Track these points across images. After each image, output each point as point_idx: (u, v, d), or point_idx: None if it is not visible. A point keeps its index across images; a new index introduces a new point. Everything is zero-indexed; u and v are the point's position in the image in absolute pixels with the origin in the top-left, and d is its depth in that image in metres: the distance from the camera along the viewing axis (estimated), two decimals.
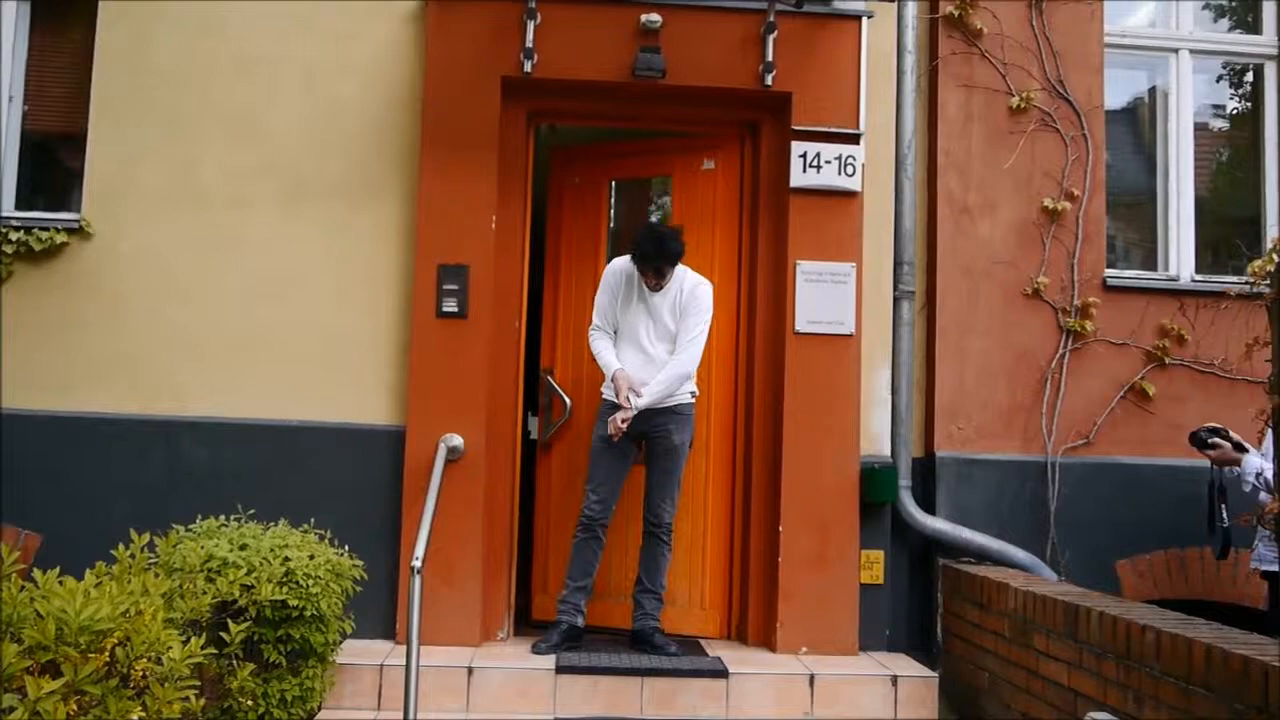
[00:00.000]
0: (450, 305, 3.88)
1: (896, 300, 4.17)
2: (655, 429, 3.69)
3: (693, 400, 3.75)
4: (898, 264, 4.18)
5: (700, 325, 3.63)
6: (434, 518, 3.35)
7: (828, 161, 3.97)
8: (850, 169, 3.99)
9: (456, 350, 3.88)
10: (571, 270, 4.22)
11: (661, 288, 3.63)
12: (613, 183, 4.38)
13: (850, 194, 4.01)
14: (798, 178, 3.99)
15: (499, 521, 3.94)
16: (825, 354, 3.97)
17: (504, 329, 4.04)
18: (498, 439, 3.95)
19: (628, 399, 3.57)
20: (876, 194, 4.11)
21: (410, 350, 3.90)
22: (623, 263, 3.74)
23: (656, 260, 3.56)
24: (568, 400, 4.18)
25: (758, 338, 4.09)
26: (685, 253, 3.66)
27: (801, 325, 3.98)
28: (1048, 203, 4.32)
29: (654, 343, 3.67)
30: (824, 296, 3.96)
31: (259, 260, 3.99)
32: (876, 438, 4.07)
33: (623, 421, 3.54)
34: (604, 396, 3.77)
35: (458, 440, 3.80)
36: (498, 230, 3.98)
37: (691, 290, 3.67)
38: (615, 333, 3.77)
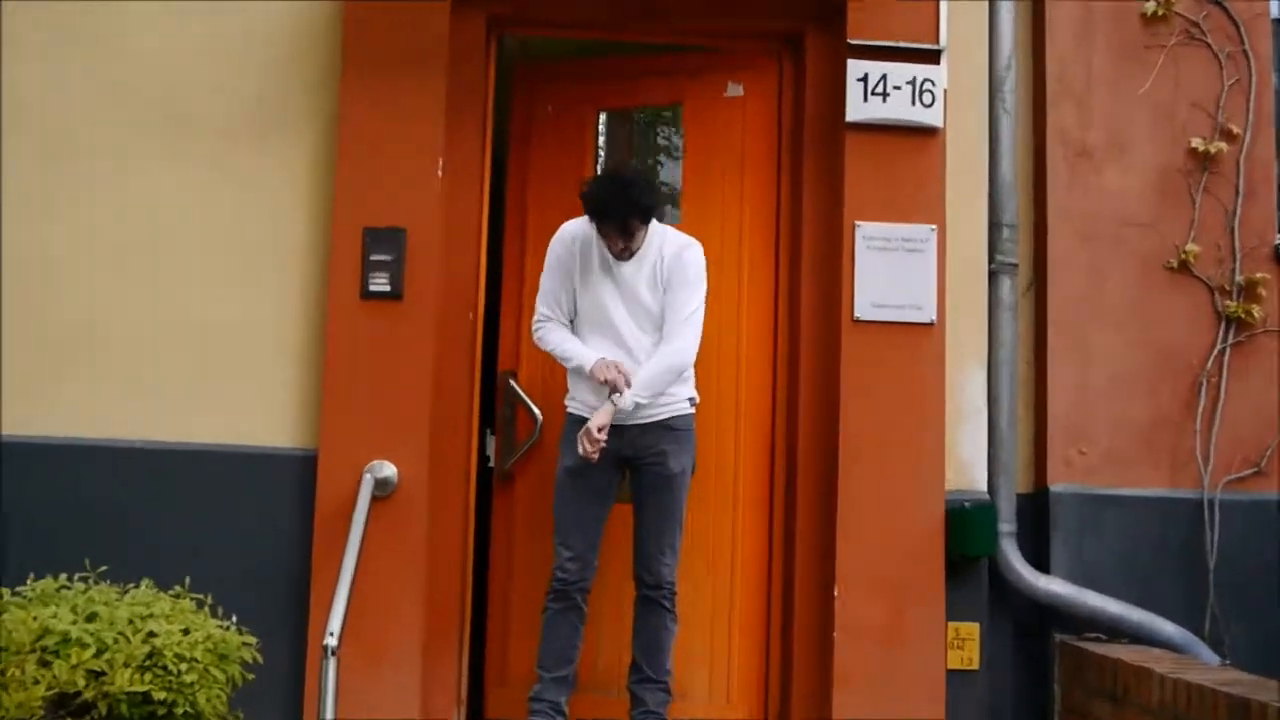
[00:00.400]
0: (380, 283, 3.84)
1: (993, 276, 4.14)
2: (644, 453, 3.61)
3: (692, 410, 3.70)
4: (994, 227, 4.15)
5: (694, 300, 3.58)
6: (356, 577, 3.32)
7: (897, 87, 3.94)
8: (928, 97, 3.97)
9: (389, 345, 3.85)
10: (543, 234, 4.10)
11: (631, 253, 3.55)
12: (601, 114, 4.31)
13: (928, 130, 3.98)
14: (856, 109, 3.95)
15: (445, 582, 3.91)
16: (896, 350, 3.93)
17: (455, 316, 3.99)
18: (445, 467, 3.92)
19: (614, 398, 3.46)
20: (964, 132, 4.09)
21: (325, 346, 3.86)
22: (576, 227, 3.68)
23: (620, 214, 3.45)
24: (538, 413, 4.12)
25: (803, 328, 4.06)
26: (663, 205, 3.63)
27: (863, 310, 3.95)
28: (1197, 143, 4.31)
29: (633, 329, 3.61)
30: (894, 270, 3.93)
31: (115, 221, 3.93)
32: (967, 465, 4.02)
33: (599, 431, 3.42)
34: (569, 411, 3.69)
35: (389, 470, 3.76)
36: (447, 180, 3.95)
37: (676, 255, 3.60)
38: (572, 324, 3.71)
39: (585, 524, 3.61)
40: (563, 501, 3.63)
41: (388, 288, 3.82)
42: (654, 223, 3.63)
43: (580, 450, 3.50)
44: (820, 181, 4.07)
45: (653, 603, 3.64)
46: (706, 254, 3.75)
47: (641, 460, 3.63)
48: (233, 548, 3.78)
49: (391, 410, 3.81)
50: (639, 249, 3.60)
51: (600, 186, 3.52)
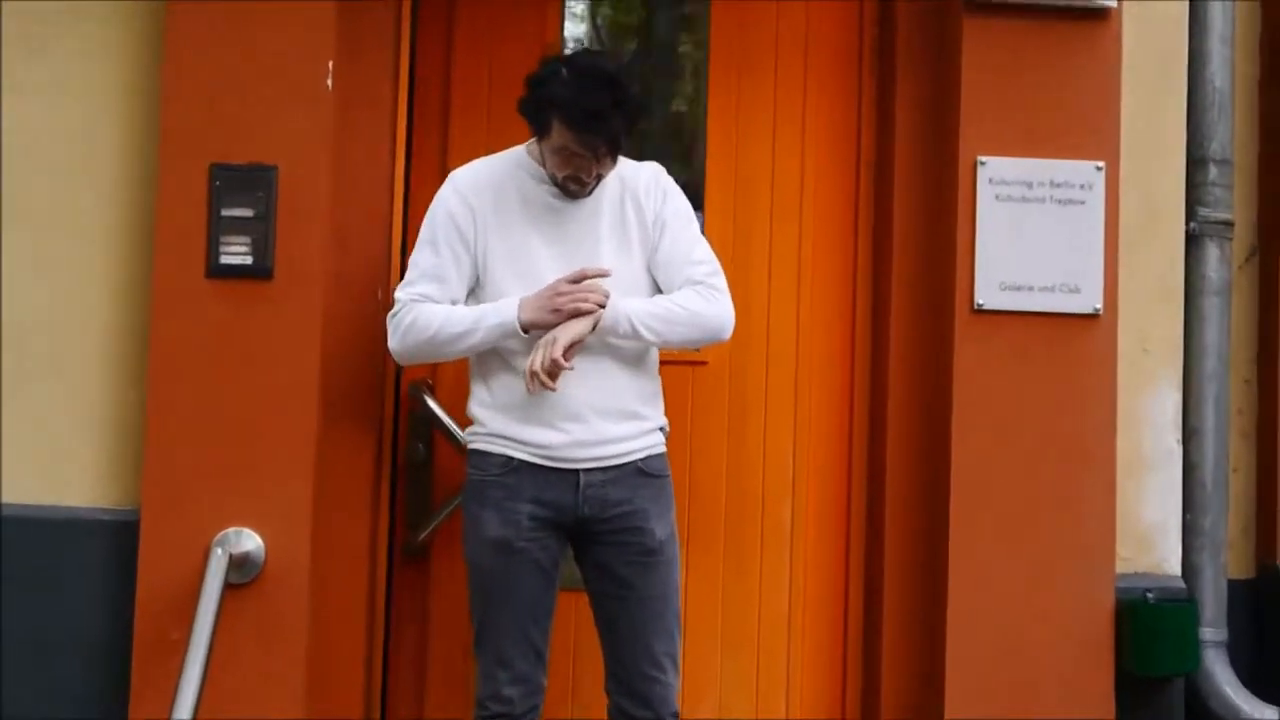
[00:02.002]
0: (236, 251, 3.36)
1: (1194, 241, 3.72)
2: (609, 512, 3.14)
3: (664, 442, 3.31)
4: (1195, 164, 3.72)
5: (703, 239, 3.31)
6: (199, 713, 2.92)
7: None
8: None
9: (251, 349, 3.39)
10: (471, 143, 3.65)
11: (588, 190, 3.15)
12: None
13: (1094, 11, 3.53)
14: None
15: (338, 708, 3.49)
16: (1039, 355, 3.52)
17: (353, 300, 3.50)
18: (337, 537, 3.45)
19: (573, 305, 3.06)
20: (1149, 14, 3.64)
21: (149, 352, 3.34)
22: (480, 171, 3.29)
23: (612, 127, 3.06)
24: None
25: (894, 320, 3.66)
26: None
27: (988, 294, 3.50)
28: None
29: None
30: (1037, 232, 3.52)
31: None
32: (1151, 535, 3.63)
33: (567, 351, 3.03)
34: (474, 447, 3.21)
35: (251, 542, 3.33)
36: (340, 96, 3.40)
37: (654, 182, 3.31)
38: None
39: (525, 625, 3.13)
40: (485, 595, 3.15)
41: (249, 259, 3.32)
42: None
43: (528, 376, 2.97)
44: (923, 93, 3.68)
45: None
46: (745, 202, 3.54)
47: (606, 525, 3.10)
48: (7, 661, 3.38)
49: (254, 451, 3.35)
50: (604, 177, 3.17)
51: (581, 82, 3.06)
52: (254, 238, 3.33)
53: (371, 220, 3.53)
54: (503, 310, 3.12)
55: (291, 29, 3.36)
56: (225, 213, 3.34)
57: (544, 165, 3.17)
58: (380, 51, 3.56)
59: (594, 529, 3.13)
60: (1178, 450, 3.67)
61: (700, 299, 3.25)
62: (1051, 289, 3.48)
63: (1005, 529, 3.46)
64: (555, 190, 3.14)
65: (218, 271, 3.33)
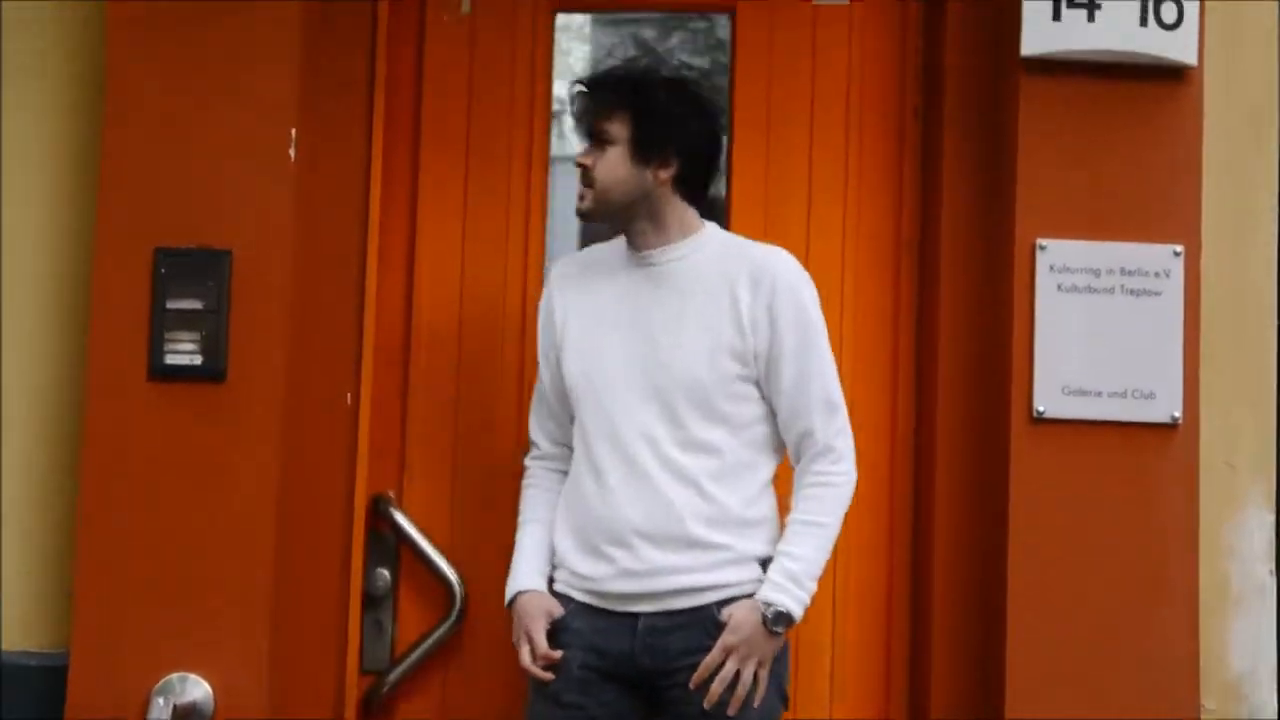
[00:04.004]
0: (183, 350, 3.12)
1: None
2: (674, 664, 2.83)
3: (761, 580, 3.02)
4: None
5: (831, 363, 3.02)
6: None
7: None
8: (1170, 11, 3.28)
9: (197, 462, 3.15)
10: (442, 223, 3.51)
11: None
12: (555, 14, 3.63)
13: (1171, 72, 3.30)
14: (1040, 34, 3.28)
15: None
16: (1110, 469, 3.26)
17: (319, 406, 3.28)
18: (299, 682, 3.21)
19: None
20: (1230, 79, 3.40)
21: (81, 465, 3.13)
22: (574, 258, 3.18)
23: (609, 87, 2.97)
24: (453, 577, 3.38)
25: (940, 428, 3.40)
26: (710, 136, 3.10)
27: (1049, 399, 3.25)
28: None
29: (655, 417, 2.92)
30: (1106, 326, 3.29)
31: None
32: (1240, 684, 3.37)
33: None
34: (552, 590, 2.98)
35: (199, 690, 3.08)
36: (303, 167, 3.18)
37: (781, 278, 2.99)
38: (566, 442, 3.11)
39: None
40: None
41: (198, 359, 3.07)
42: (708, 224, 3.02)
43: (525, 659, 2.81)
44: (973, 164, 3.41)
45: None
46: None
47: (671, 681, 2.81)
48: None
49: (202, 583, 3.08)
50: (698, 239, 2.96)
51: (657, 84, 3.04)
52: (204, 334, 3.09)
53: (340, 309, 3.30)
54: (510, 582, 2.99)
55: (248, 92, 3.14)
56: (171, 305, 3.11)
57: None
58: (349, 118, 3.33)
59: (661, 685, 2.84)
60: (1271, 584, 3.40)
61: (832, 495, 2.94)
62: (1123, 394, 3.22)
63: (1069, 677, 3.17)
64: (640, 258, 2.92)
65: (162, 373, 3.08)
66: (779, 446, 2.89)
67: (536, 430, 3.08)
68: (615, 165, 2.83)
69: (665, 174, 2.82)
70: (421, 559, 3.33)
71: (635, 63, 3.12)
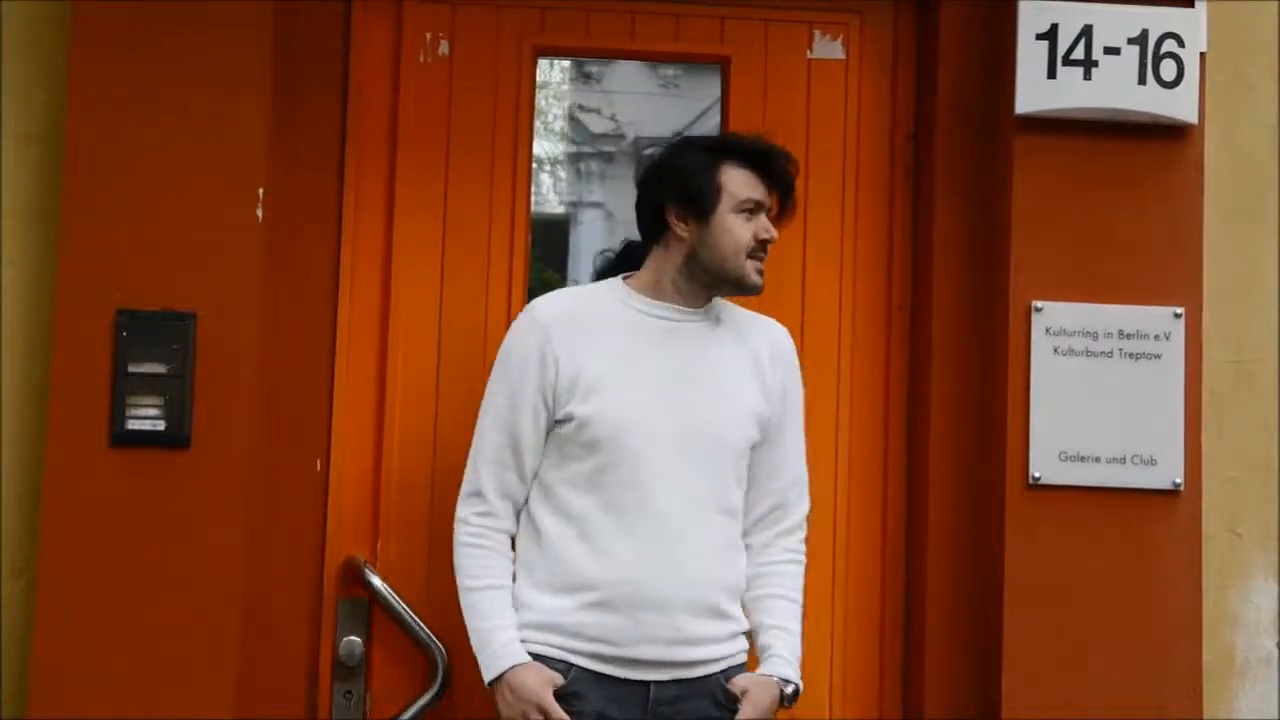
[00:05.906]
0: (146, 415, 3.04)
1: None
2: None
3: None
4: None
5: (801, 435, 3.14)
6: None
7: (1110, 50, 3.25)
8: (1169, 68, 3.28)
9: (160, 531, 3.05)
10: (418, 271, 3.46)
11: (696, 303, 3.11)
12: (537, 59, 3.59)
13: (1171, 130, 3.30)
14: (1035, 91, 3.24)
15: None
16: (1109, 538, 3.25)
17: (287, 473, 3.22)
18: None
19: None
20: (1231, 136, 3.40)
21: (39, 534, 3.03)
22: (559, 301, 3.12)
23: (780, 161, 2.99)
24: (436, 644, 3.25)
25: (933, 495, 3.40)
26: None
27: (1045, 465, 3.24)
28: None
29: (696, 489, 2.91)
30: (1104, 390, 3.28)
31: None
32: None
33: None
34: (531, 652, 2.89)
35: None
36: (271, 227, 3.12)
37: (780, 343, 3.10)
38: (525, 497, 3.00)
39: None
40: None
41: (161, 425, 3.00)
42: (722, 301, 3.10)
43: None
44: (966, 224, 3.41)
45: None
46: None
47: None
48: None
49: (165, 657, 2.99)
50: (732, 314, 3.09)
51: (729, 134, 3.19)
52: (167, 399, 3.02)
53: (310, 371, 3.24)
54: (492, 656, 2.84)
55: (215, 149, 3.06)
56: (133, 369, 3.03)
57: (689, 269, 2.89)
58: (319, 176, 3.27)
59: None
60: (1277, 655, 3.36)
61: (802, 573, 3.02)
62: (1122, 460, 3.19)
63: None
64: (656, 308, 2.89)
65: (123, 439, 3.01)
66: None
67: (490, 482, 2.93)
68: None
69: None
70: (400, 624, 3.19)
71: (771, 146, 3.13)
